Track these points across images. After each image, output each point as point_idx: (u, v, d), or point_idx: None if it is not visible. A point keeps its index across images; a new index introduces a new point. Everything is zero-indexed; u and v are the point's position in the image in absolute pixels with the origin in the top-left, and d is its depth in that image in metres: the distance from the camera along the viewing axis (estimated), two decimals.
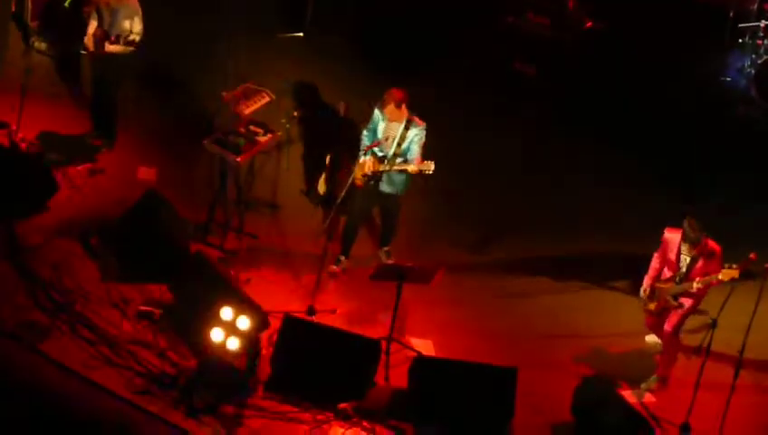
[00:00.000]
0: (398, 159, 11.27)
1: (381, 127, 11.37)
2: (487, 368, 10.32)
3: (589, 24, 15.53)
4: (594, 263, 12.50)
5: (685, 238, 10.34)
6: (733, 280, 10.10)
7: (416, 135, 11.27)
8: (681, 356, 11.00)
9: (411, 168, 11.21)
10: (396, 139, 11.29)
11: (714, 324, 10.10)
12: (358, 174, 11.34)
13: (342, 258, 11.79)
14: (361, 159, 11.40)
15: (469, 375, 10.23)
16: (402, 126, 11.29)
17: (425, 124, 11.37)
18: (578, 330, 11.63)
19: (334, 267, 11.70)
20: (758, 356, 10.91)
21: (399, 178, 11.41)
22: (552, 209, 13.11)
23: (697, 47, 15.48)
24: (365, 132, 11.52)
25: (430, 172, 11.19)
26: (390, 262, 11.61)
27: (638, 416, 10.11)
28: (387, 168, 11.30)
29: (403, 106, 11.29)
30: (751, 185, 13.59)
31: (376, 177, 11.34)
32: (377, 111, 11.42)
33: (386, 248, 11.96)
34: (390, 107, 11.26)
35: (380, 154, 11.34)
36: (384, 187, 11.43)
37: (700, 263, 10.39)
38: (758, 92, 14.87)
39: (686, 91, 14.93)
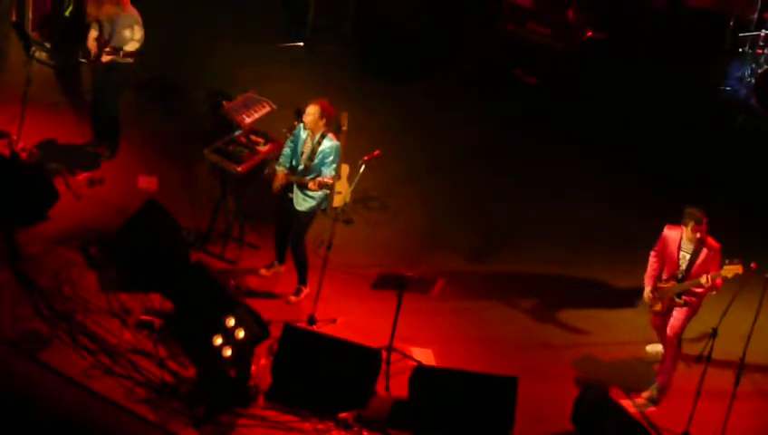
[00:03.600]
0: (309, 175, 10.98)
1: (302, 139, 11.08)
2: (488, 377, 10.32)
3: (589, 33, 15.56)
4: (595, 272, 12.49)
5: (686, 221, 10.34)
6: (736, 276, 10.10)
7: (328, 153, 10.93)
8: (682, 365, 11.00)
9: (311, 184, 10.90)
10: (307, 153, 11.03)
11: (714, 333, 10.10)
12: (274, 183, 11.23)
13: (276, 263, 11.73)
14: (277, 169, 11.22)
15: (470, 385, 10.23)
16: (315, 140, 11.00)
17: (338, 143, 11.07)
18: (578, 339, 11.62)
19: (264, 271, 11.68)
20: (759, 365, 10.93)
21: (311, 196, 11.10)
22: (553, 219, 13.11)
23: (697, 56, 15.50)
24: (288, 143, 11.22)
25: (326, 190, 11.00)
26: (298, 298, 11.48)
27: (639, 425, 10.10)
28: (293, 179, 11.06)
29: (324, 120, 10.95)
30: (751, 194, 13.61)
31: (287, 187, 11.11)
32: (302, 124, 11.10)
33: (300, 286, 11.53)
34: (313, 118, 10.92)
35: (295, 165, 11.10)
36: (296, 202, 11.14)
37: (700, 259, 10.41)
38: (758, 101, 14.89)
39: (686, 100, 14.95)
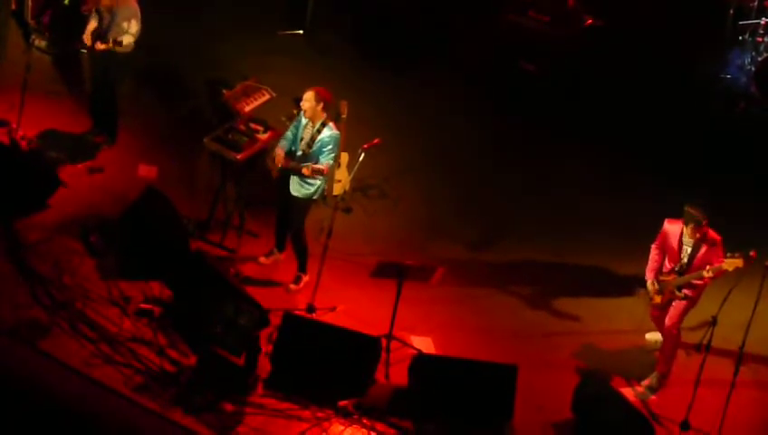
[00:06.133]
0: (306, 162, 10.90)
1: (302, 126, 11.06)
2: (488, 366, 10.33)
3: (589, 21, 15.53)
4: (594, 260, 12.48)
5: (686, 222, 10.32)
6: (737, 269, 10.09)
7: (327, 142, 10.91)
8: (681, 353, 11.01)
9: (305, 169, 10.85)
10: (306, 140, 11.01)
11: (714, 322, 10.11)
12: (273, 167, 11.20)
13: (275, 251, 11.73)
14: (275, 151, 11.17)
15: (469, 373, 10.23)
16: (315, 128, 11.01)
17: (339, 133, 11.08)
18: (578, 327, 11.63)
19: (263, 259, 11.69)
20: (758, 353, 10.93)
21: (308, 184, 11.08)
22: (553, 207, 13.11)
23: (698, 44, 15.48)
24: (291, 128, 11.18)
25: (321, 177, 10.97)
26: (299, 287, 11.49)
27: (638, 414, 10.11)
28: (290, 165, 11.01)
29: (321, 107, 10.94)
30: (750, 182, 13.60)
31: (284, 172, 11.09)
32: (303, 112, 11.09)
33: (299, 274, 11.53)
34: (310, 104, 10.90)
35: (294, 151, 11.09)
36: (292, 188, 11.12)
37: (701, 252, 10.40)
38: (758, 90, 14.87)
39: (686, 88, 14.93)
